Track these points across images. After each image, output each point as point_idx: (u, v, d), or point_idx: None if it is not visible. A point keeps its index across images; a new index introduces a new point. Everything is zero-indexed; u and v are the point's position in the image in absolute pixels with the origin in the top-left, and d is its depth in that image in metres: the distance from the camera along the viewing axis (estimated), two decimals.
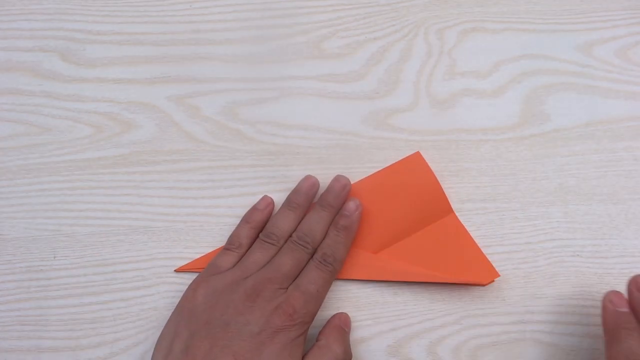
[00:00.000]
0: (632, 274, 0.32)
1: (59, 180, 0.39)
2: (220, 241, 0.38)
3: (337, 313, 0.36)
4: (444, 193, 0.38)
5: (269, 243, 0.36)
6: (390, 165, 0.39)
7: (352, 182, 0.38)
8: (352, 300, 0.37)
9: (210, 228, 0.38)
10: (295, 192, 0.38)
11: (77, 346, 0.36)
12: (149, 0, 0.43)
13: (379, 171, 0.38)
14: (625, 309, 0.32)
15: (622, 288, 0.37)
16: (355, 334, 0.36)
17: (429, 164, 0.38)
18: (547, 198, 0.39)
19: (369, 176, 0.38)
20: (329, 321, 0.35)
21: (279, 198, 0.38)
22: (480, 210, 0.38)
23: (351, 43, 0.42)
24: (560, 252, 0.38)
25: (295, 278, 0.34)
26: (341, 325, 0.35)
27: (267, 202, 0.38)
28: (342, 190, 0.37)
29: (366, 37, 0.42)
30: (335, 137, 0.40)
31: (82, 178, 0.39)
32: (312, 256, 0.35)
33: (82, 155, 0.40)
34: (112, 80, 0.41)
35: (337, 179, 0.37)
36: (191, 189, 0.39)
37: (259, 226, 0.37)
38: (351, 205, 0.36)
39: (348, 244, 0.36)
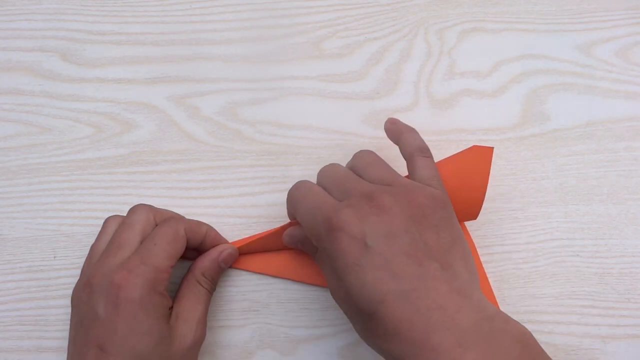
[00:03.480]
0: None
1: (59, 180, 0.39)
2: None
3: (218, 247, 0.36)
4: (483, 198, 0.33)
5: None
6: (460, 153, 0.35)
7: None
8: None
9: None
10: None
11: None
12: (149, 0, 0.43)
13: (447, 157, 0.35)
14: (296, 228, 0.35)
15: (622, 288, 0.37)
16: (356, 334, 0.36)
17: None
18: (547, 198, 0.39)
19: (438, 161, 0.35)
20: (207, 253, 0.35)
21: (279, 198, 0.38)
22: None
23: (351, 43, 0.42)
24: (560, 252, 0.38)
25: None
26: (219, 260, 0.35)
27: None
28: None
29: (366, 37, 0.42)
30: (335, 137, 0.40)
31: (82, 178, 0.39)
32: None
33: (82, 155, 0.40)
34: (112, 80, 0.41)
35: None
36: (191, 189, 0.39)
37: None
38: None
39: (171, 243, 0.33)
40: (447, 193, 0.32)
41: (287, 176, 0.39)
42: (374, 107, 0.41)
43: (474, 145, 0.34)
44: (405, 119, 0.40)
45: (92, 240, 0.38)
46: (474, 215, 0.34)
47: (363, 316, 0.28)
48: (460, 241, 0.29)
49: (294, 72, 0.41)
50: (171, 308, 0.32)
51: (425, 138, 0.39)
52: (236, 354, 0.36)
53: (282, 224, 0.38)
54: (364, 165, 0.33)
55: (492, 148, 0.34)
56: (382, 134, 0.40)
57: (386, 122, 0.36)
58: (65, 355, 0.36)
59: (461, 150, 0.40)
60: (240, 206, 0.39)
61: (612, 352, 0.36)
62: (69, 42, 0.42)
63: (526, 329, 0.27)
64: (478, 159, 0.34)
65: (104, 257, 0.32)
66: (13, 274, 0.37)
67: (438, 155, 0.39)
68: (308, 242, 0.34)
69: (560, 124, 0.40)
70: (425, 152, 0.33)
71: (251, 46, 0.42)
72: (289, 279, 0.37)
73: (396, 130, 0.35)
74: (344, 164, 0.35)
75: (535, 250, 0.38)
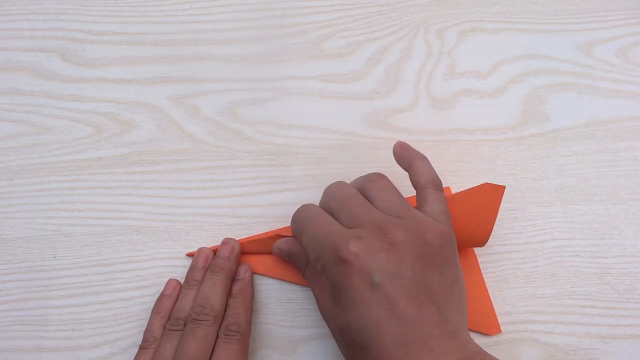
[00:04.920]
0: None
1: (59, 180, 0.39)
2: (219, 241, 0.38)
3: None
4: (490, 231, 0.34)
5: (176, 330, 0.34)
6: (472, 189, 0.34)
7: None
8: None
9: (210, 228, 0.38)
10: (191, 268, 0.36)
11: (77, 346, 0.36)
12: (149, 0, 0.43)
13: (459, 192, 0.34)
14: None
15: (622, 288, 0.37)
16: None
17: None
18: (547, 198, 0.39)
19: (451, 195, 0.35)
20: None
21: (279, 198, 0.38)
22: None
23: (351, 43, 0.42)
24: (560, 252, 0.38)
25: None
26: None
27: (173, 286, 0.36)
28: (231, 253, 0.36)
29: (366, 37, 0.42)
30: (335, 137, 0.40)
31: (82, 178, 0.39)
32: (218, 327, 0.34)
33: (82, 155, 0.40)
34: (112, 80, 0.41)
35: (225, 242, 0.37)
36: (191, 189, 0.39)
37: (169, 313, 0.35)
38: (241, 269, 0.36)
39: (248, 307, 0.35)
40: (453, 230, 0.32)
41: (287, 176, 0.39)
42: (374, 107, 0.41)
43: (486, 183, 0.34)
44: (405, 119, 0.40)
45: (92, 240, 0.38)
46: (480, 244, 0.34)
47: (356, 348, 0.29)
48: (460, 282, 0.31)
49: (294, 72, 0.41)
50: None
51: (425, 138, 0.40)
52: None
53: (281, 224, 0.38)
54: (374, 189, 0.32)
55: (504, 187, 0.34)
56: (382, 134, 0.40)
57: (395, 145, 0.35)
58: (65, 356, 0.36)
59: (462, 151, 0.40)
60: (240, 206, 0.39)
61: (612, 352, 0.36)
62: (69, 42, 0.42)
63: None
64: (489, 196, 0.33)
65: None
66: (13, 274, 0.37)
67: (438, 155, 0.39)
68: (296, 258, 0.34)
69: (560, 124, 0.40)
70: (437, 185, 0.33)
71: (251, 46, 0.42)
72: (288, 281, 0.37)
73: (407, 157, 0.35)
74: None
75: (535, 250, 0.38)
